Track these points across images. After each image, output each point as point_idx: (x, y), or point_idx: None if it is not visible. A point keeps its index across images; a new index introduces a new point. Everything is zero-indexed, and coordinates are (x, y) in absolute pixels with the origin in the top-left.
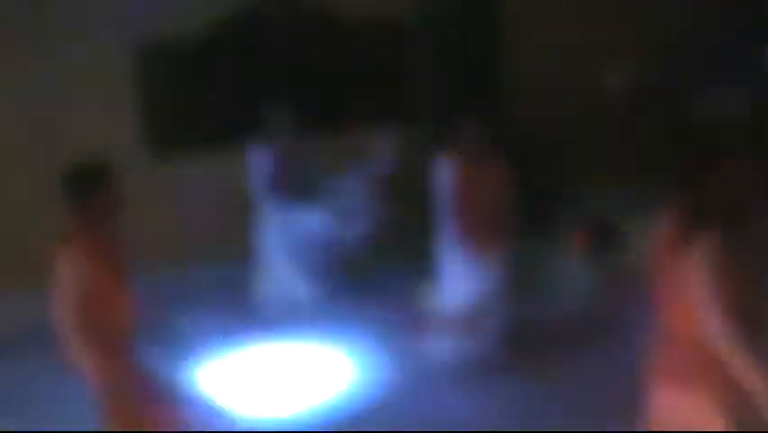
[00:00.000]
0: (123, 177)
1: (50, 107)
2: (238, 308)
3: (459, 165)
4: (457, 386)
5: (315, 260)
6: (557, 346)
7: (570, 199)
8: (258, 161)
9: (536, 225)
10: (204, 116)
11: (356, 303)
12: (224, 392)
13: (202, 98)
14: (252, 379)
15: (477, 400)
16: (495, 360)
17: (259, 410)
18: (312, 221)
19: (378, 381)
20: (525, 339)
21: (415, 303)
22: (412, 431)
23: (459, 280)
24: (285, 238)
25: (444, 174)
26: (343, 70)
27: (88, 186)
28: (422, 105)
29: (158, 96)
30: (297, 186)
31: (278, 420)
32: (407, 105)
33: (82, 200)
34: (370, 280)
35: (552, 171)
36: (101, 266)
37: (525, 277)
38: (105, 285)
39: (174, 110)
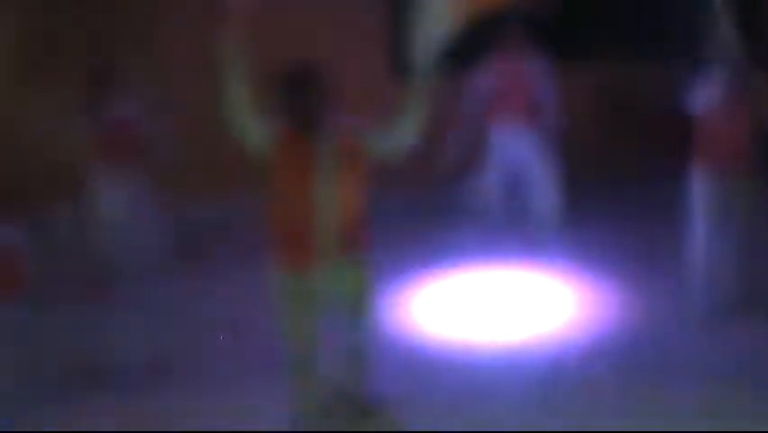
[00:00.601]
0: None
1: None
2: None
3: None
4: (696, 330)
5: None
6: None
7: None
8: (480, 84)
9: None
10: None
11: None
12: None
13: None
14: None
15: (717, 346)
16: (732, 306)
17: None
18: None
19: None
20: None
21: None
22: None
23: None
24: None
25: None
26: None
27: (298, 88)
28: None
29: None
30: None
31: (501, 348)
32: None
33: (291, 100)
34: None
35: None
36: (294, 168)
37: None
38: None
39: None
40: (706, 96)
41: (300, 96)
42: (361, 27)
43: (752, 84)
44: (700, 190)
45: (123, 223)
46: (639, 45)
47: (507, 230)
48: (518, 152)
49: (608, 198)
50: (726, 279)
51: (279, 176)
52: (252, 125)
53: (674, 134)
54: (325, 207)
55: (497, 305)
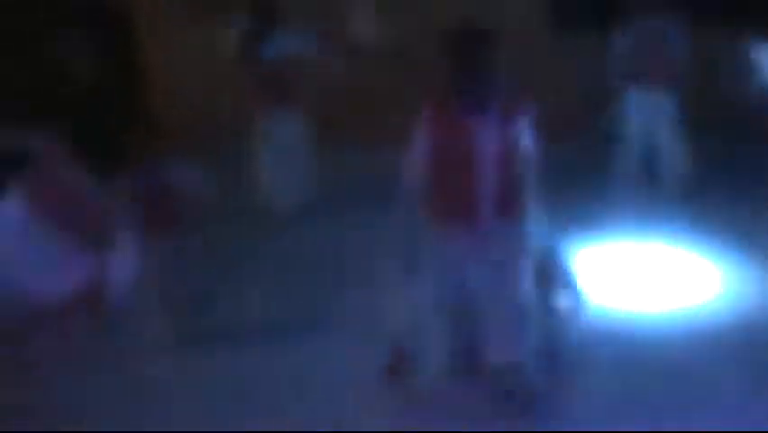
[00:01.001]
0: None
1: None
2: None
3: None
4: None
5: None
6: None
7: None
8: (619, 45)
9: None
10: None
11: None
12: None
13: None
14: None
15: None
16: None
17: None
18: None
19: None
20: None
21: None
22: None
23: None
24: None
25: None
26: None
27: (463, 47)
28: None
29: None
30: (654, 72)
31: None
32: None
33: (454, 59)
34: None
35: None
36: (446, 131)
37: None
38: (449, 151)
39: None
40: None
41: (470, 58)
42: None
43: None
44: None
45: (284, 164)
46: None
47: (638, 197)
48: (654, 116)
49: (728, 166)
50: None
51: (439, 142)
52: None
53: None
54: (485, 176)
55: (622, 275)
